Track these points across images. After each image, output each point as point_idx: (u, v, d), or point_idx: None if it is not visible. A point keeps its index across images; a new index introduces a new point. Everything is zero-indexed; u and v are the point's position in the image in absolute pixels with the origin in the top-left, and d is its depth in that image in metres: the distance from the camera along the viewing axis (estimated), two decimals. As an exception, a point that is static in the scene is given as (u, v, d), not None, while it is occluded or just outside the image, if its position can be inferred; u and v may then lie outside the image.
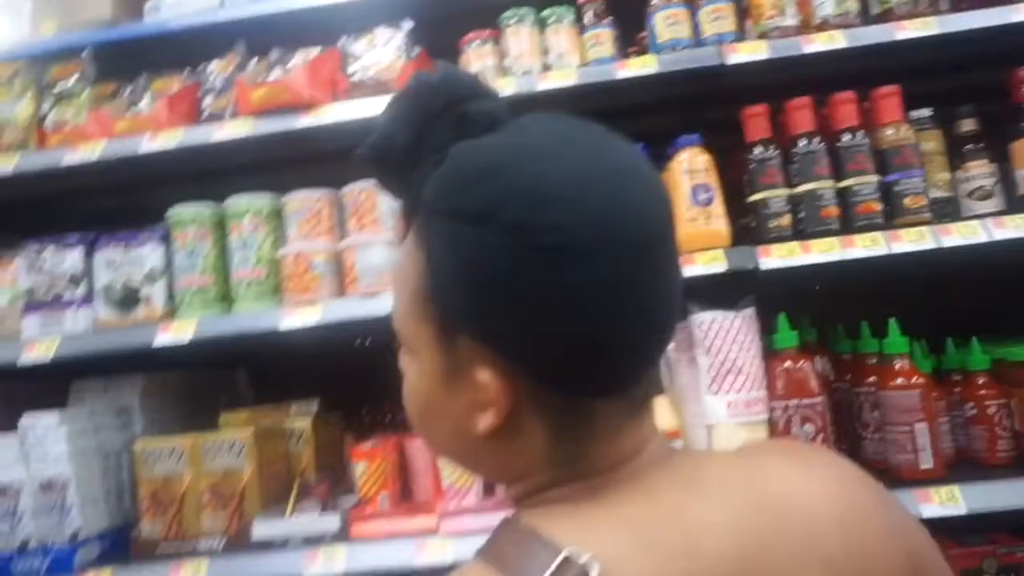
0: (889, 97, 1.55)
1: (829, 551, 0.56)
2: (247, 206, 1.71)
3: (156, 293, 1.72)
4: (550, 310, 0.52)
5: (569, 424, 0.58)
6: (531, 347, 0.54)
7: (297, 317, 1.58)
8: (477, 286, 0.53)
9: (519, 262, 0.52)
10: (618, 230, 0.53)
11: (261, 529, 1.57)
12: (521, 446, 0.59)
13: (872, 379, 1.54)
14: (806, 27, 1.63)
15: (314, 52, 1.82)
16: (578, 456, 0.58)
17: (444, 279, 0.56)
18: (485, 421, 0.57)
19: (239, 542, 1.58)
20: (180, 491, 1.65)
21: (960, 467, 1.54)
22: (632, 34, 1.81)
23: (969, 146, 1.59)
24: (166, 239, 1.74)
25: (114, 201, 1.99)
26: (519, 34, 1.70)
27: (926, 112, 1.62)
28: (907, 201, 1.51)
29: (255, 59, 1.87)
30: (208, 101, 1.86)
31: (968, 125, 1.62)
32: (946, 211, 1.58)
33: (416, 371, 0.62)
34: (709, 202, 1.53)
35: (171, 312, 1.72)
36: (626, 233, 0.53)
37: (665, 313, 0.58)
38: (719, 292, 1.63)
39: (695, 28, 1.66)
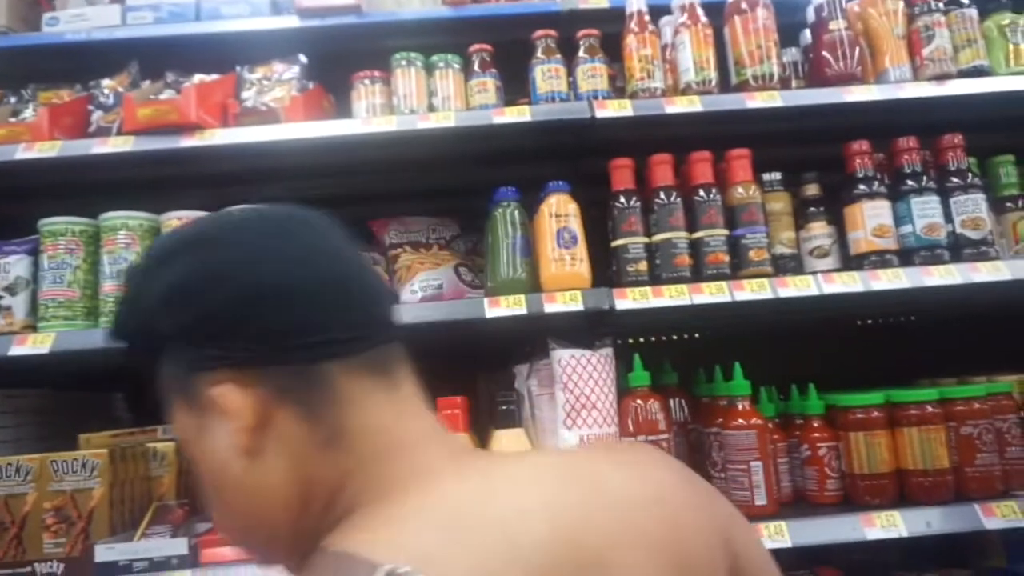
0: (740, 159, 1.69)
1: (645, 527, 0.60)
2: (123, 222, 1.70)
3: (17, 304, 1.67)
4: (193, 287, 0.61)
5: (309, 397, 0.60)
6: (206, 331, 0.60)
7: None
8: (156, 319, 0.62)
9: (147, 275, 0.64)
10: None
11: (104, 553, 1.51)
12: (285, 446, 0.61)
13: (719, 420, 1.63)
14: (673, 91, 1.78)
15: (209, 78, 1.85)
16: (338, 431, 0.61)
17: (166, 351, 0.64)
18: (240, 438, 0.60)
19: (80, 567, 1.52)
20: (22, 512, 1.58)
21: (796, 505, 1.65)
22: (520, 86, 1.92)
23: (811, 208, 1.74)
24: (35, 251, 1.71)
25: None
26: (408, 76, 1.78)
27: (777, 176, 1.77)
28: (752, 254, 1.63)
29: (148, 80, 1.89)
30: (97, 116, 1.85)
31: (811, 190, 1.77)
32: (790, 266, 1.71)
33: (200, 468, 0.65)
34: (572, 245, 1.62)
35: (32, 325, 1.68)
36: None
37: (326, 268, 0.63)
38: (592, 332, 1.71)
39: (572, 84, 1.77)
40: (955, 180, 1.70)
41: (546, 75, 1.75)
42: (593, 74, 1.74)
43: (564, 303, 1.56)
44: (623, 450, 0.75)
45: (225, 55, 1.89)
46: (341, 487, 0.60)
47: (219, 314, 0.60)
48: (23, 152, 1.67)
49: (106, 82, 1.90)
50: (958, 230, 1.67)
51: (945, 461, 1.54)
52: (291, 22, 1.86)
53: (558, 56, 1.78)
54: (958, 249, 1.67)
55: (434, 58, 1.80)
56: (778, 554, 1.48)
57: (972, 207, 1.67)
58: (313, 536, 0.59)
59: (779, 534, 1.47)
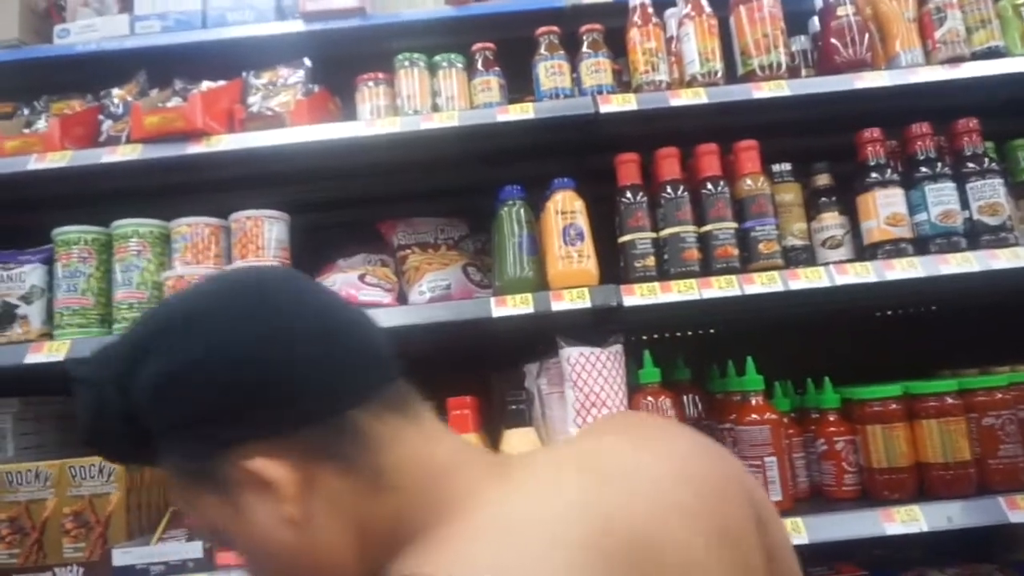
0: (747, 150, 1.66)
1: (679, 500, 0.62)
2: (134, 229, 1.72)
3: (33, 312, 1.70)
4: (211, 368, 0.59)
5: (343, 449, 0.60)
6: (213, 413, 0.58)
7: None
8: (178, 408, 0.60)
9: (118, 371, 0.61)
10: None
11: (121, 557, 1.54)
12: (333, 503, 0.60)
13: (732, 416, 1.61)
14: (679, 84, 1.76)
15: (216, 85, 1.87)
16: (379, 473, 0.61)
17: (171, 442, 0.61)
18: (286, 508, 0.58)
19: (98, 571, 1.54)
20: (43, 517, 1.61)
21: (813, 500, 1.62)
22: (524, 84, 1.90)
23: (823, 199, 1.71)
24: (49, 260, 1.74)
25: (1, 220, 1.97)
26: (411, 76, 1.78)
27: (786, 166, 1.74)
28: (761, 247, 1.61)
29: (156, 89, 1.91)
30: (108, 125, 1.88)
31: (822, 180, 1.74)
32: (803, 258, 1.68)
33: (245, 548, 0.63)
34: (579, 242, 1.60)
35: (48, 332, 1.71)
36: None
37: (319, 318, 0.63)
38: (601, 330, 1.69)
39: (576, 80, 1.76)
40: (971, 165, 1.66)
41: (549, 71, 1.73)
42: (597, 69, 1.73)
43: (571, 300, 1.55)
44: (639, 426, 0.77)
45: (231, 61, 1.90)
46: (396, 522, 0.61)
47: (226, 393, 0.58)
48: (35, 163, 1.69)
49: (116, 91, 1.93)
50: (975, 216, 1.63)
51: (966, 453, 1.50)
52: (296, 26, 1.86)
53: (561, 52, 1.76)
54: (975, 236, 1.63)
55: (437, 58, 1.80)
56: (795, 551, 1.47)
57: (989, 192, 1.63)
58: (378, 569, 0.60)
59: (795, 530, 1.44)
